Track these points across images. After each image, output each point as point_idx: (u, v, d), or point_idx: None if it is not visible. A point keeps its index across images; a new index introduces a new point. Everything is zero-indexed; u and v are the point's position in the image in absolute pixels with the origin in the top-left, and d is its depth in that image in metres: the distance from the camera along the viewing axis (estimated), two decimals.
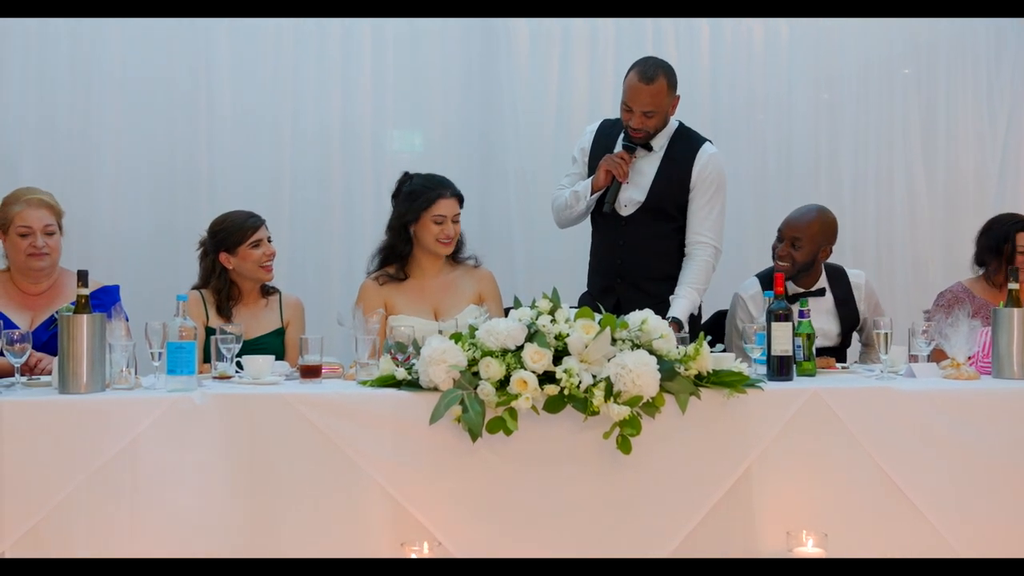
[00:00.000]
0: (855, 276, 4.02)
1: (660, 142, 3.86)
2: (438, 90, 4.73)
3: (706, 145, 3.88)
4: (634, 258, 3.84)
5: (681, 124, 3.93)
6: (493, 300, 3.83)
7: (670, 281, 3.82)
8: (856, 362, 3.82)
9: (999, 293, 3.93)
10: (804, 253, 3.85)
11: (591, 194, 3.84)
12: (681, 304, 3.72)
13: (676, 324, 3.43)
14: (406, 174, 3.84)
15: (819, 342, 3.86)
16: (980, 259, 4.12)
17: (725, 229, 3.93)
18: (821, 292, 3.95)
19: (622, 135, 3.88)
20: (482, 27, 4.74)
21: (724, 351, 3.00)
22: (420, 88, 4.73)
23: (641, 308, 3.37)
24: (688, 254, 3.84)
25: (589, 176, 3.89)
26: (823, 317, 3.90)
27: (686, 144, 3.87)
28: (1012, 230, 4.03)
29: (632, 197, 3.84)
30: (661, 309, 3.21)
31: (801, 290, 3.92)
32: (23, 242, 3.45)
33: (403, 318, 3.63)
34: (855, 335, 4.05)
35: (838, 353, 3.90)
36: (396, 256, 3.79)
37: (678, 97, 3.84)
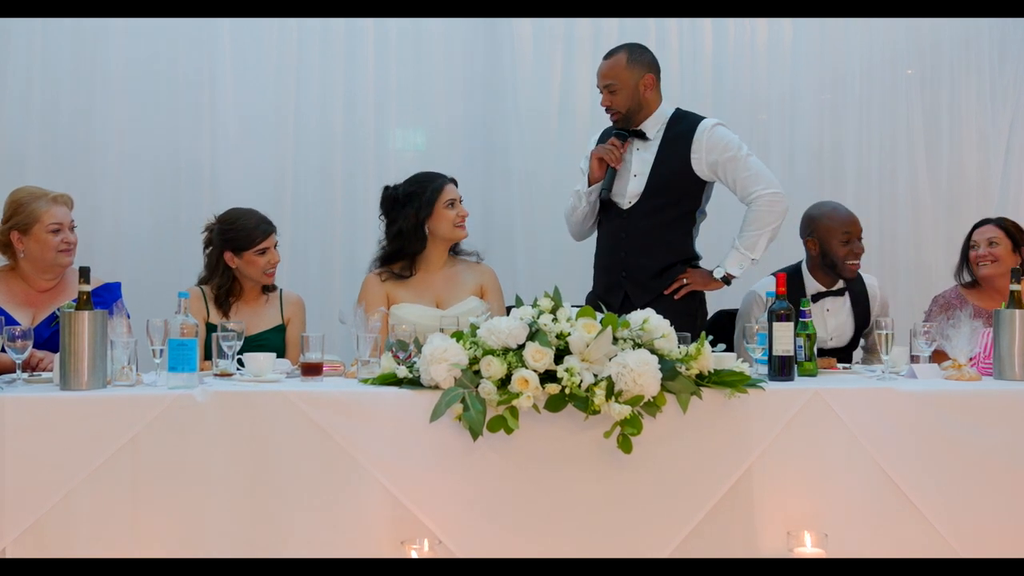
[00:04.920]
0: (868, 279, 4.03)
1: (655, 130, 3.83)
2: (441, 89, 4.74)
3: (704, 120, 3.81)
4: (638, 250, 3.80)
5: (678, 109, 3.89)
6: (495, 294, 3.85)
7: (675, 271, 3.78)
8: (858, 363, 3.82)
9: (989, 299, 3.95)
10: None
11: (588, 187, 3.83)
12: (727, 257, 3.79)
13: (721, 278, 3.78)
14: (386, 187, 3.86)
15: (832, 342, 3.88)
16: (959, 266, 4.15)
17: (725, 228, 3.89)
18: (841, 292, 3.95)
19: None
20: (485, 27, 4.74)
21: (726, 351, 2.99)
22: (423, 87, 4.73)
23: (649, 302, 3.38)
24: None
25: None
26: (841, 316, 3.93)
27: (683, 125, 3.82)
28: (972, 230, 4.09)
29: (634, 189, 3.81)
30: (666, 302, 3.22)
31: (823, 288, 3.94)
32: (54, 238, 3.47)
33: (405, 307, 3.66)
34: (861, 339, 4.05)
35: (845, 354, 3.90)
36: (404, 256, 3.80)
37: (651, 76, 3.80)
